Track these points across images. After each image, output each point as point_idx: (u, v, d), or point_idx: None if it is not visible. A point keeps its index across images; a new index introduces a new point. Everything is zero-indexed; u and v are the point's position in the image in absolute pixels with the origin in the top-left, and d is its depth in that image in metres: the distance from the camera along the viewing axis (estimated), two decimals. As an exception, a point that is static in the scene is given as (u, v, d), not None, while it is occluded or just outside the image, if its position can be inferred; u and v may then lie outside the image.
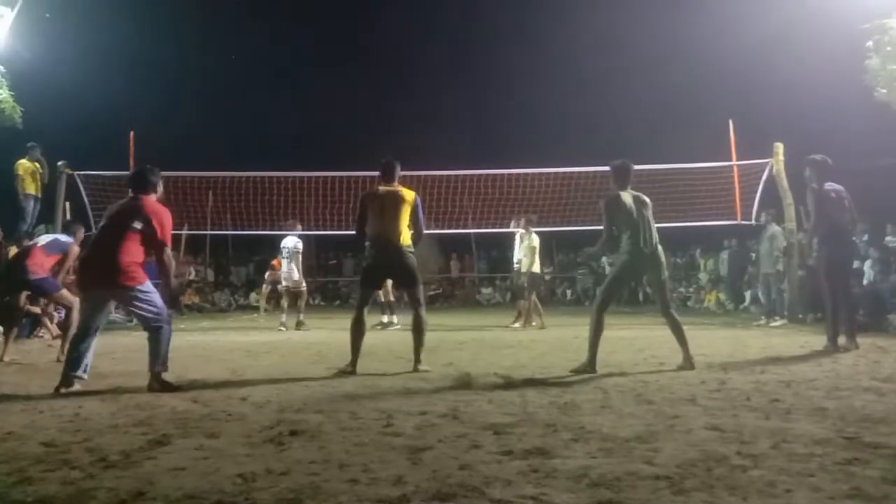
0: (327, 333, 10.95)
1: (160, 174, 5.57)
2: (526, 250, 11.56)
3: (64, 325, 8.09)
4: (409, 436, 3.47)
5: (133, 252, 5.19)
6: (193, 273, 19.99)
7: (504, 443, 3.28)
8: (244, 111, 25.43)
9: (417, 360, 6.00)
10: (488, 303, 21.77)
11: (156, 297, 5.29)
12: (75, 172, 12.65)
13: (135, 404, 4.48)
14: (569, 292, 22.76)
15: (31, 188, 12.60)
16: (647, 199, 6.30)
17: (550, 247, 22.78)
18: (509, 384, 5.13)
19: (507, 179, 13.74)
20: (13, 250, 11.74)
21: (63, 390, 5.02)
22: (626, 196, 6.25)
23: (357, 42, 27.52)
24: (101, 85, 19.36)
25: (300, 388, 5.15)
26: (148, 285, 5.27)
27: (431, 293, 14.72)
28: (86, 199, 12.94)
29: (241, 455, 3.13)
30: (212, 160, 15.28)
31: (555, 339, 9.09)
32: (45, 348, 8.86)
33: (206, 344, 9.06)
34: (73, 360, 5.17)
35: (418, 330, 6.06)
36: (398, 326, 11.19)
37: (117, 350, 8.48)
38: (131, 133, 13.03)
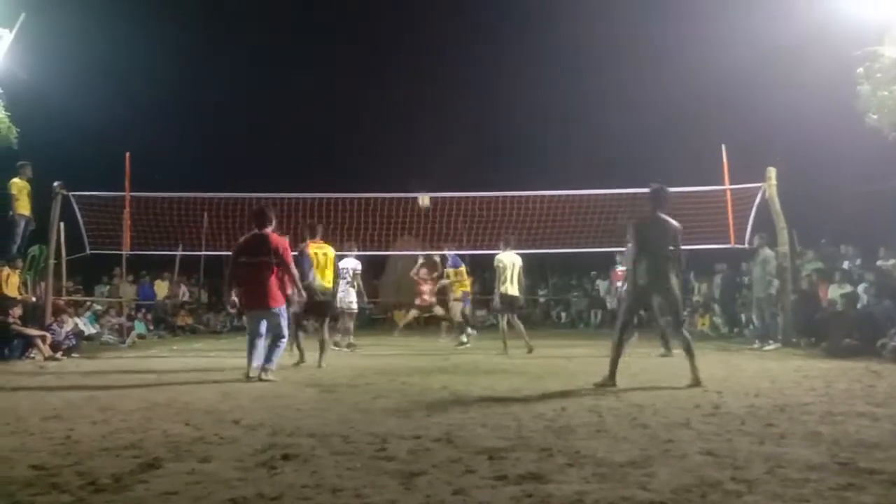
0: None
1: (273, 210, 7.80)
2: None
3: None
4: (402, 460, 3.45)
5: (274, 280, 7.32)
6: (187, 294, 19.91)
7: (498, 468, 3.26)
8: (241, 132, 25.55)
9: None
10: (482, 325, 21.74)
11: (285, 317, 7.49)
12: (70, 193, 12.63)
13: (126, 427, 4.44)
14: (563, 315, 22.73)
15: (23, 208, 12.58)
16: (673, 226, 6.61)
17: (545, 269, 22.83)
18: (504, 408, 5.12)
19: (500, 201, 13.76)
20: (5, 271, 11.73)
21: (251, 375, 7.18)
22: (652, 221, 6.63)
23: (357, 64, 27.70)
24: (97, 106, 19.44)
25: (292, 411, 5.12)
26: (283, 308, 7.43)
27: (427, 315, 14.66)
28: (81, 220, 12.89)
29: (233, 479, 3.11)
30: (208, 181, 15.33)
31: (549, 363, 9.07)
32: (36, 370, 8.78)
33: (198, 366, 9.00)
34: (249, 359, 7.36)
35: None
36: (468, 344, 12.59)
37: (110, 371, 8.43)
38: (127, 154, 13.01)
